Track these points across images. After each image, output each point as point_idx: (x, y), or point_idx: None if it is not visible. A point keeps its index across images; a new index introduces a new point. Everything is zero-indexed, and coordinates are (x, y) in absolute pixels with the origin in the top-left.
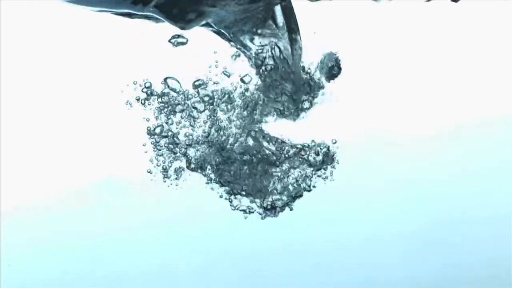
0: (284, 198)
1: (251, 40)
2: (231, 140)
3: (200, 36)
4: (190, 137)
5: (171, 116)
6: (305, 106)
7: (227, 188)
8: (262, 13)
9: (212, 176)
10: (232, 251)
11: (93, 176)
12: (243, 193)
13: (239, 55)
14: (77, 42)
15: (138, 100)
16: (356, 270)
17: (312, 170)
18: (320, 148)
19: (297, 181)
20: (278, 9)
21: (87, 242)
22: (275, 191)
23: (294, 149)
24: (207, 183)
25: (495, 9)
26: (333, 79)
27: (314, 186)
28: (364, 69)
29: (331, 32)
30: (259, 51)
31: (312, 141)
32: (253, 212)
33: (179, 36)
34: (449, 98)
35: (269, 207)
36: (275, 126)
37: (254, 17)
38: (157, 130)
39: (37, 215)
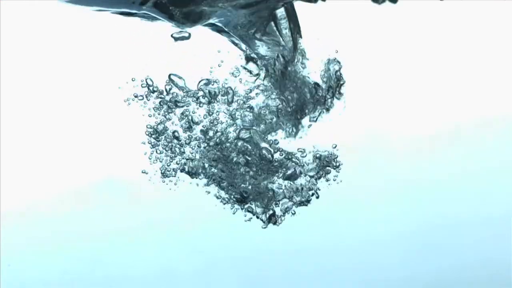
0: (289, 204)
1: (255, 46)
2: (230, 138)
3: (200, 36)
4: (190, 135)
5: (171, 115)
6: (306, 125)
7: (227, 194)
8: (265, 15)
9: (214, 184)
10: (232, 251)
11: (93, 176)
12: (243, 197)
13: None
14: (77, 42)
15: (136, 96)
16: (356, 270)
17: (314, 177)
18: (321, 156)
19: (302, 187)
20: (280, 12)
21: (87, 242)
22: (278, 197)
23: (295, 156)
24: (207, 186)
25: (495, 9)
26: (340, 91)
27: (318, 189)
28: (364, 70)
29: (331, 33)
30: (263, 62)
31: (313, 146)
32: (257, 216)
33: (181, 31)
34: (449, 98)
35: (270, 216)
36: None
37: (257, 21)
38: (157, 129)
39: (37, 215)
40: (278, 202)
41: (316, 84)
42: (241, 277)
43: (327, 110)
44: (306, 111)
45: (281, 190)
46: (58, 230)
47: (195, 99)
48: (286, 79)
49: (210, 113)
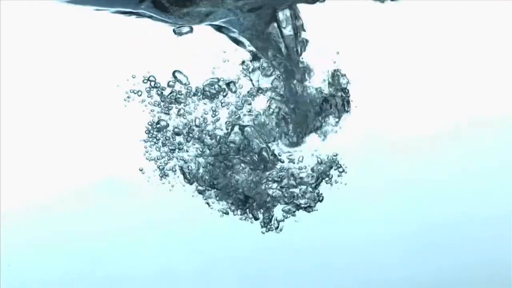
0: (292, 208)
1: (257, 46)
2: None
3: (200, 36)
4: (190, 135)
5: (171, 111)
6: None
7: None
8: (267, 17)
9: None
10: (232, 251)
11: (93, 176)
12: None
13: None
14: (77, 42)
15: (136, 92)
16: (356, 270)
17: (315, 184)
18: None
19: (304, 193)
20: (283, 14)
21: (87, 242)
22: (281, 202)
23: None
24: (206, 202)
25: (495, 9)
26: (347, 109)
27: (321, 195)
28: (363, 70)
29: (331, 33)
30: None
31: (315, 150)
32: (257, 219)
33: (182, 25)
34: (449, 98)
35: (268, 221)
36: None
37: (259, 22)
38: (158, 127)
39: (37, 215)
40: (273, 207)
41: (324, 100)
42: (241, 277)
43: (336, 123)
44: (311, 127)
45: (279, 195)
46: (58, 230)
47: (197, 97)
48: (291, 84)
49: (213, 111)
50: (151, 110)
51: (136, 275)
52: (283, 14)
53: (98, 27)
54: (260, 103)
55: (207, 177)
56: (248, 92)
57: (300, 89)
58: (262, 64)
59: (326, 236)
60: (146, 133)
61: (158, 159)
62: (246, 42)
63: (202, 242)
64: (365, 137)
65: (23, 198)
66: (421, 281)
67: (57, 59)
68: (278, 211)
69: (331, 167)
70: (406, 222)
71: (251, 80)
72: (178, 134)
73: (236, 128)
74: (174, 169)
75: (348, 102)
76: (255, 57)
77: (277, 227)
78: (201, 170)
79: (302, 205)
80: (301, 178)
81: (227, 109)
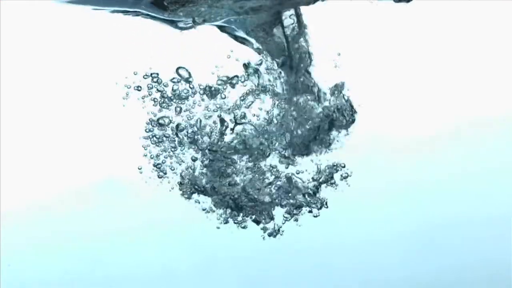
0: (295, 212)
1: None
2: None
3: (200, 36)
4: (191, 134)
5: (171, 107)
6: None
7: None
8: (270, 18)
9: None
10: (232, 251)
11: (93, 176)
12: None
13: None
14: (77, 42)
15: (136, 88)
16: (356, 270)
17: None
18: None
19: (305, 196)
20: (286, 16)
21: (87, 242)
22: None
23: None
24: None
25: (495, 9)
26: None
27: (326, 200)
28: (363, 71)
29: (331, 33)
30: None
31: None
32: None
33: (186, 21)
34: (449, 98)
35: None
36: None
37: (261, 23)
38: (157, 126)
39: (37, 215)
40: (272, 211)
41: (330, 123)
42: (241, 277)
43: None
44: (315, 148)
45: (280, 200)
46: (58, 230)
47: (200, 94)
48: (294, 87)
49: (213, 111)
50: (152, 112)
51: (136, 275)
52: (286, 15)
53: (97, 26)
54: (259, 103)
55: (204, 181)
56: (248, 92)
57: (303, 102)
58: (264, 64)
59: (326, 236)
60: (146, 131)
61: (157, 157)
62: (250, 42)
63: (202, 242)
64: (365, 137)
65: (23, 198)
66: (421, 281)
67: (57, 59)
68: (279, 216)
69: (336, 171)
70: (406, 222)
71: (258, 79)
72: (181, 130)
73: (237, 129)
74: (172, 168)
75: (353, 121)
76: (257, 58)
77: (278, 232)
78: (197, 173)
79: (305, 211)
80: (303, 183)
81: (228, 109)
